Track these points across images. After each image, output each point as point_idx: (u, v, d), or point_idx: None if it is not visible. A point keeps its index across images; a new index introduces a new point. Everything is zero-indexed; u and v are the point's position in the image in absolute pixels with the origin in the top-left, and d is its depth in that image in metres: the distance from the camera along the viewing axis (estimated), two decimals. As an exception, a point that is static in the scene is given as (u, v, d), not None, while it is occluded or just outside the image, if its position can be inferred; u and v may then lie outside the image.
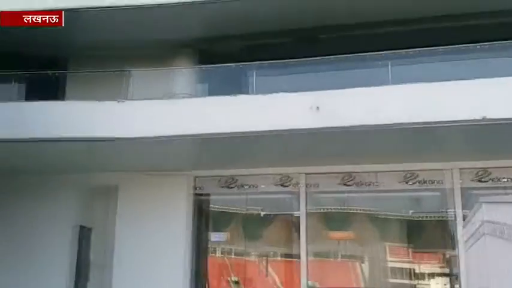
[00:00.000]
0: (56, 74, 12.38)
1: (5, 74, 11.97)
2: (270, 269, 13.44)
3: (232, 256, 13.99)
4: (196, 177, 13.35)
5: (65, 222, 13.21)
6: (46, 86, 12.22)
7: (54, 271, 13.00)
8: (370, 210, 13.00)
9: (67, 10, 11.26)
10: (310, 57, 11.13)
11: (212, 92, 12.13)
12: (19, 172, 12.84)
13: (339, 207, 13.27)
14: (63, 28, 11.22)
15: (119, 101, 11.14)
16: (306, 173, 12.82)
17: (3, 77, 12.03)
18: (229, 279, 13.66)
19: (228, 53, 12.13)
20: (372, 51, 10.82)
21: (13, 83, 12.40)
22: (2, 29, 10.92)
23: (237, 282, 13.55)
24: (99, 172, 13.08)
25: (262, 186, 13.22)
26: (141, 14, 11.55)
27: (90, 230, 13.64)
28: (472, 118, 9.59)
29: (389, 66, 10.65)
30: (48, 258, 13.02)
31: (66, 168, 12.78)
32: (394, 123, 9.90)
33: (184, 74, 12.55)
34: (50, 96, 11.99)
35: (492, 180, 11.49)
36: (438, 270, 13.03)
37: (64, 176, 13.02)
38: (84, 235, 13.42)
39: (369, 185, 12.47)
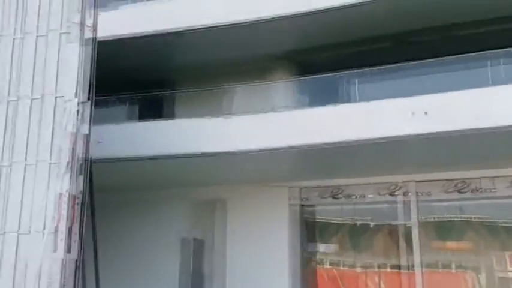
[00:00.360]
0: (164, 95, 12.98)
1: (119, 97, 12.74)
2: (372, 280, 13.04)
3: (340, 267, 13.75)
4: (302, 188, 13.33)
5: (175, 235, 13.75)
6: (156, 107, 12.89)
7: (166, 283, 13.51)
8: (487, 218, 12.23)
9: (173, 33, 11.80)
10: (409, 61, 10.71)
11: (312, 103, 12.06)
12: (131, 188, 13.47)
13: (453, 216, 12.61)
14: (170, 50, 11.79)
15: (223, 117, 11.42)
16: (416, 181, 12.34)
17: (118, 99, 12.80)
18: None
19: (325, 63, 12.01)
20: (475, 51, 10.20)
21: (126, 105, 13.14)
22: (118, 55, 11.55)
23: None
24: (207, 186, 13.45)
25: (370, 195, 12.90)
26: (240, 31, 11.78)
27: (202, 242, 14.05)
28: None
29: (502, 65, 9.98)
30: (159, 271, 13.54)
31: (175, 182, 13.28)
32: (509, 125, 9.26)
33: (283, 86, 12.62)
34: (160, 115, 12.61)
35: None
36: None
37: (173, 190, 13.52)
38: (196, 247, 13.84)
39: (485, 191, 11.73)
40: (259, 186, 12.97)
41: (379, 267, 13.16)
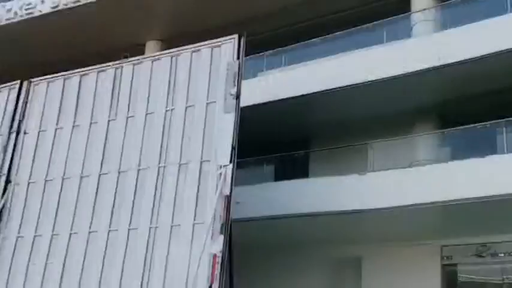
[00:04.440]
0: (301, 154, 13.17)
1: (258, 159, 13.17)
2: None
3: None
4: (443, 246, 12.64)
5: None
6: (292, 166, 13.06)
7: None
8: None
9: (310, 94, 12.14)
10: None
11: (456, 156, 11.60)
12: (269, 247, 13.51)
13: None
14: (306, 110, 12.03)
15: (360, 174, 11.31)
16: None
17: (257, 161, 13.14)
18: None
19: (471, 113, 11.59)
20: None
21: (264, 165, 13.45)
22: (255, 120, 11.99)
23: None
24: (343, 244, 13.18)
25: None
26: (382, 87, 11.86)
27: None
28: None
29: None
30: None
31: (311, 241, 13.15)
32: None
33: (425, 140, 12.31)
34: (295, 174, 12.74)
35: None
36: None
37: (310, 248, 13.38)
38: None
39: None
40: (399, 245, 12.53)
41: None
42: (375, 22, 12.99)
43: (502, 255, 12.13)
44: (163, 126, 9.57)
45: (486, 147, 11.00)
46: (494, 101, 11.55)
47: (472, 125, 11.21)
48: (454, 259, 12.64)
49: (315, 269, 13.78)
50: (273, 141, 13.33)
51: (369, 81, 11.71)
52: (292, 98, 12.39)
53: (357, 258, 13.40)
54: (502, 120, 10.83)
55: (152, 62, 10.20)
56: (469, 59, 10.81)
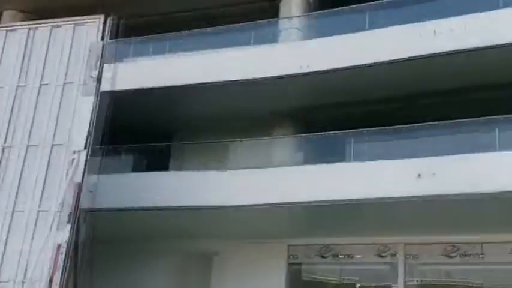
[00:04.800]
0: (163, 147, 12.94)
1: (115, 147, 12.57)
2: None
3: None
4: (290, 245, 13.18)
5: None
6: (152, 158, 12.77)
7: None
8: (474, 284, 12.25)
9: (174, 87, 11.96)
10: (408, 123, 10.95)
11: (309, 160, 12.13)
12: (121, 239, 13.02)
13: (440, 280, 12.62)
14: (171, 103, 11.85)
15: (220, 171, 11.36)
16: (405, 243, 12.36)
17: (116, 150, 12.64)
18: None
19: (327, 121, 12.21)
20: (475, 116, 10.50)
21: (123, 155, 13.00)
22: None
23: None
24: (198, 239, 13.15)
25: (358, 256, 12.85)
26: (244, 88, 12.00)
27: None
28: None
29: (497, 132, 10.27)
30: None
31: (163, 235, 12.98)
32: (498, 191, 9.45)
33: (281, 142, 12.71)
34: (155, 167, 12.48)
35: None
36: None
37: (161, 243, 13.17)
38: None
39: (474, 256, 11.82)
40: (250, 242, 12.81)
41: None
42: (243, 23, 13.09)
43: (342, 256, 12.96)
44: (13, 103, 8.94)
45: (336, 154, 11.61)
46: (347, 111, 12.27)
47: (323, 133, 11.74)
48: (299, 258, 13.25)
49: (164, 263, 13.59)
50: (138, 131, 12.90)
51: (229, 81, 11.80)
52: (157, 88, 12.10)
53: (207, 254, 13.49)
54: (351, 131, 11.47)
55: (6, 32, 9.44)
56: (328, 70, 11.30)
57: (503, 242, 11.47)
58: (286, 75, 11.42)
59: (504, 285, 11.92)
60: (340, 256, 12.97)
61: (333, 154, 11.40)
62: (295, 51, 12.10)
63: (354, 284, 13.13)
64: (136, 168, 12.87)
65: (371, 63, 10.98)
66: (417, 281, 12.53)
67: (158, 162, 12.92)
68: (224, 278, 13.17)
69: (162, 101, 12.65)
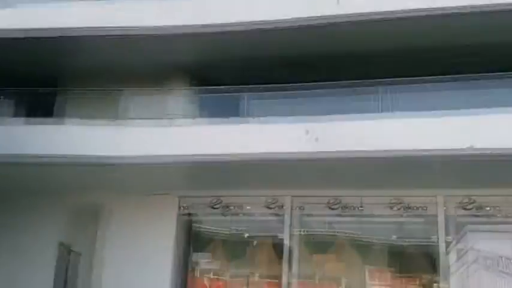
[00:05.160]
0: (47, 93, 12.24)
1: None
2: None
3: (215, 277, 13.90)
4: (181, 197, 13.26)
5: (50, 242, 12.94)
6: (37, 105, 12.09)
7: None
8: (354, 235, 13.11)
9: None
10: (303, 83, 11.21)
11: (204, 115, 12.10)
12: (6, 192, 12.61)
13: (323, 231, 13.33)
14: (58, 49, 11.16)
15: (110, 123, 11.05)
16: (292, 196, 12.86)
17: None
18: (209, 300, 13.54)
19: (223, 77, 12.15)
20: (366, 80, 10.96)
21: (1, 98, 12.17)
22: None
23: (217, 303, 13.45)
24: (86, 192, 12.91)
25: (248, 207, 13.21)
26: (136, 39, 11.61)
27: (72, 250, 13.35)
28: (460, 148, 9.81)
29: (380, 96, 10.81)
30: (32, 280, 12.69)
31: (53, 188, 12.60)
32: (384, 151, 10.07)
33: (177, 96, 12.53)
34: (40, 115, 11.85)
35: (476, 209, 11.73)
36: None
37: (51, 196, 12.82)
38: (67, 256, 13.13)
39: (354, 209, 12.57)
40: (141, 195, 12.70)
41: (253, 277, 13.52)
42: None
43: (232, 208, 13.27)
44: None
45: (229, 111, 11.68)
46: (243, 70, 12.28)
47: (215, 87, 11.75)
48: (189, 210, 13.39)
49: (52, 217, 13.23)
50: (24, 80, 12.16)
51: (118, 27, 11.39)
52: (42, 29, 11.38)
53: (97, 206, 13.23)
54: (244, 86, 11.54)
55: None
56: (228, 24, 11.21)
57: (381, 196, 12.31)
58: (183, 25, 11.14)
59: (379, 236, 12.91)
60: (230, 208, 13.26)
61: (226, 111, 11.45)
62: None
63: (243, 235, 13.56)
64: (17, 116, 12.17)
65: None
66: (302, 231, 13.17)
67: (43, 111, 12.28)
68: (113, 230, 13.04)
69: (49, 47, 11.96)
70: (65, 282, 12.99)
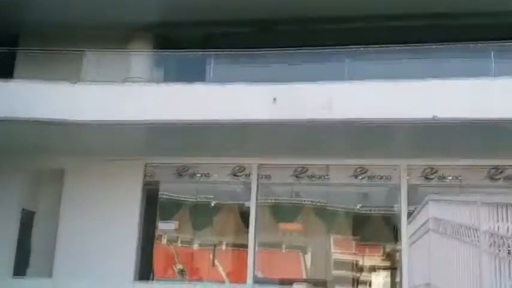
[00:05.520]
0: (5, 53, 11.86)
1: None
2: (216, 259, 13.41)
3: (180, 245, 13.92)
4: (147, 164, 13.14)
5: (9, 205, 12.76)
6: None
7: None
8: (319, 203, 13.19)
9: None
10: (270, 48, 11.09)
11: (168, 79, 11.92)
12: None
13: (289, 199, 13.39)
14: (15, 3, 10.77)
15: (71, 83, 10.79)
16: (258, 164, 12.85)
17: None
18: (174, 267, 13.55)
19: (186, 40, 11.97)
20: (332, 46, 10.89)
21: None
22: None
23: (182, 271, 13.45)
24: (46, 154, 12.67)
25: (215, 175, 13.16)
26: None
27: (33, 213, 13.20)
28: (423, 117, 9.85)
29: (346, 63, 10.77)
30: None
31: (12, 149, 12.30)
32: (346, 119, 10.07)
33: (140, 58, 12.30)
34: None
35: (438, 178, 11.88)
36: (381, 264, 13.42)
37: (10, 157, 12.52)
38: (26, 219, 12.97)
39: (320, 178, 12.62)
40: (105, 160, 12.52)
41: (218, 245, 13.58)
42: None
43: (199, 176, 13.21)
44: None
45: (195, 74, 11.52)
46: (207, 31, 12.10)
47: (183, 50, 11.51)
48: (156, 177, 13.29)
49: (15, 179, 13.00)
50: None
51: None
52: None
53: (59, 170, 13.06)
54: (211, 51, 11.37)
55: None
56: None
57: (346, 165, 12.37)
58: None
59: (344, 205, 13.02)
60: (197, 175, 13.19)
61: (191, 74, 11.29)
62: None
63: (209, 203, 13.53)
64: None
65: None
66: (269, 200, 13.22)
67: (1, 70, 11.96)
68: (77, 194, 12.87)
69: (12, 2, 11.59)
70: (29, 245, 12.90)
